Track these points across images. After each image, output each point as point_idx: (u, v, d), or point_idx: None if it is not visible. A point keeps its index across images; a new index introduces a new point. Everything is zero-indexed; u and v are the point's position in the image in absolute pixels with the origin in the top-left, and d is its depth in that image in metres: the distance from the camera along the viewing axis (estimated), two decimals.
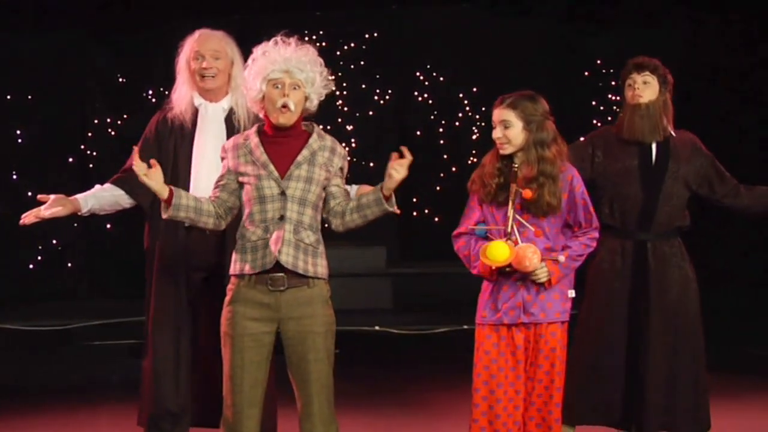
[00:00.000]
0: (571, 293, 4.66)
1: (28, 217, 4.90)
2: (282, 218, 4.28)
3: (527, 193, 4.56)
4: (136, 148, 4.35)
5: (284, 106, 4.27)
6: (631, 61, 5.23)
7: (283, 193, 4.28)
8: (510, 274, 4.60)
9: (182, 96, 5.08)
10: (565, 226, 4.70)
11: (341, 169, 4.40)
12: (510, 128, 4.61)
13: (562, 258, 4.60)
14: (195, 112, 5.06)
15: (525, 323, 4.63)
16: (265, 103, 4.32)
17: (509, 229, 4.55)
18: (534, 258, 4.52)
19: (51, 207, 4.90)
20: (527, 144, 4.61)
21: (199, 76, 5.04)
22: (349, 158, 4.48)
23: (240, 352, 4.27)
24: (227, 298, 4.33)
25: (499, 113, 4.62)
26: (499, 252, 4.49)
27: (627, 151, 5.15)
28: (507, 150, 4.63)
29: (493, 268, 4.58)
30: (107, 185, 5.11)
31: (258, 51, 4.33)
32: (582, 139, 5.35)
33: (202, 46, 5.06)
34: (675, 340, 5.09)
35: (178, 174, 5.01)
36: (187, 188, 4.95)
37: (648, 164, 5.13)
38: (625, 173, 5.13)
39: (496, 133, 4.64)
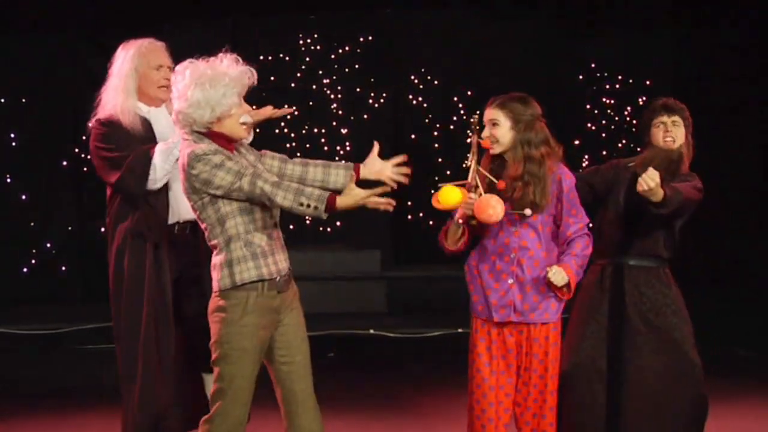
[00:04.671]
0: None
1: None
2: (275, 224, 4.30)
3: (501, 185, 4.61)
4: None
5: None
6: (658, 102, 5.09)
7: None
8: (478, 229, 4.66)
9: (126, 106, 5.05)
10: (556, 227, 4.74)
11: None
12: (497, 127, 4.68)
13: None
14: (144, 120, 5.06)
15: (515, 322, 4.66)
16: (231, 119, 4.23)
17: (471, 181, 4.59)
18: (498, 207, 4.52)
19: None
20: (514, 143, 4.68)
21: (164, 88, 5.03)
22: (343, 162, 4.46)
23: (254, 363, 4.22)
24: (232, 314, 4.18)
25: (489, 113, 4.72)
26: (450, 195, 4.51)
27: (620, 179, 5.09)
28: (495, 149, 4.71)
29: (458, 220, 4.63)
30: None
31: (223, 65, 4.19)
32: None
33: (165, 59, 5.09)
34: (665, 365, 4.88)
35: None
36: (165, 190, 4.95)
37: (631, 198, 5.05)
38: (610, 199, 5.08)
39: (485, 132, 4.72)
